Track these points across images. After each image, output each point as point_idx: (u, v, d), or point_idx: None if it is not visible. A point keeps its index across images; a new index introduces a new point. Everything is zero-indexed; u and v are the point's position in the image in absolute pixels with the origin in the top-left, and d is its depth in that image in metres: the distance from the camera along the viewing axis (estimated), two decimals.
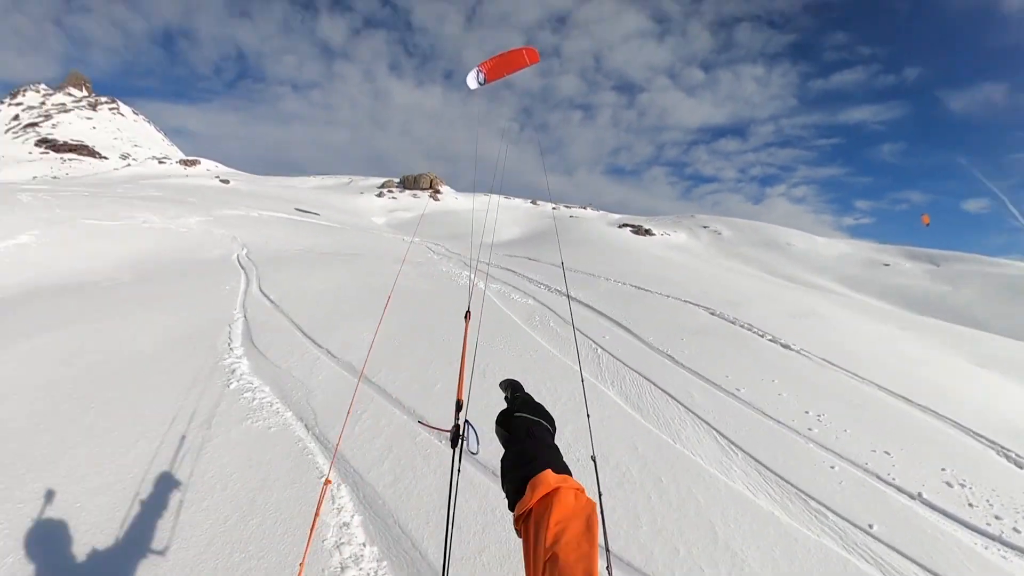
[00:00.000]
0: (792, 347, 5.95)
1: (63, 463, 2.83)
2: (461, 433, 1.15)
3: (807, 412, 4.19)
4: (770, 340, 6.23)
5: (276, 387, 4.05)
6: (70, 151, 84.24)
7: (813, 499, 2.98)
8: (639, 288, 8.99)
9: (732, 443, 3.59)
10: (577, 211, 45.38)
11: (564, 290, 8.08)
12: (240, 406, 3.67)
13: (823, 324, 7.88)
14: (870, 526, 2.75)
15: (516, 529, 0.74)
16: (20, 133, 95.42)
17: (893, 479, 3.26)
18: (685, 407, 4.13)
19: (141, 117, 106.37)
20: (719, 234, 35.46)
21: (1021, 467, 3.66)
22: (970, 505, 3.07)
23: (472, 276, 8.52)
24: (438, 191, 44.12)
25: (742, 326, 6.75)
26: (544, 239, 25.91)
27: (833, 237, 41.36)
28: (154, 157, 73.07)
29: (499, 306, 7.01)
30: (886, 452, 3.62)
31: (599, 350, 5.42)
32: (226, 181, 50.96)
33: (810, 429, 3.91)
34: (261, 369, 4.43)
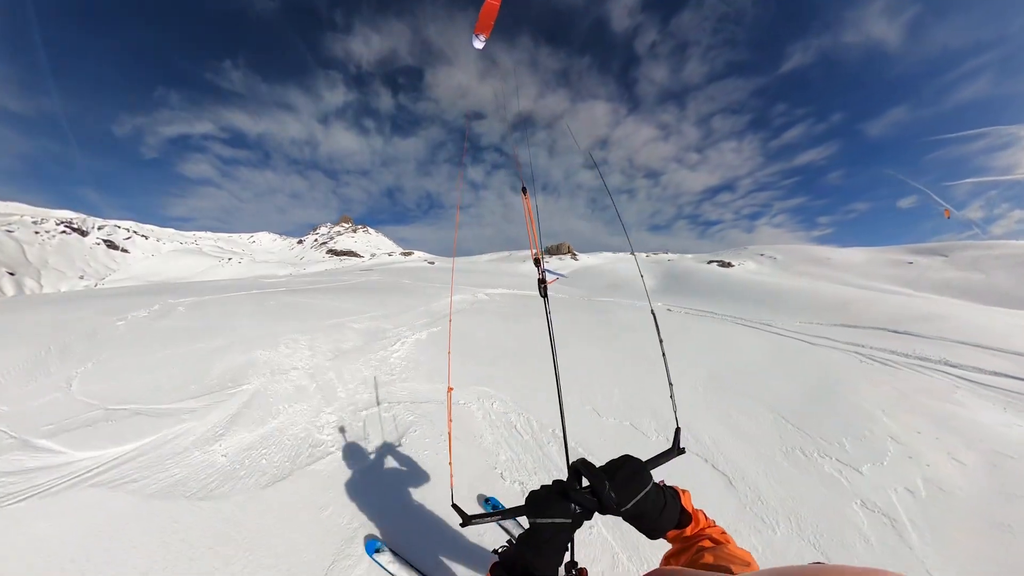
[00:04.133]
0: None
1: None
2: (543, 278, 1.61)
3: None
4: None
5: None
6: (343, 255, 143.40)
7: None
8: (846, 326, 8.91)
9: None
10: (663, 255, 58.00)
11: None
12: None
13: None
14: None
15: None
16: (318, 247, 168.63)
17: None
18: None
19: (380, 233, 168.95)
20: (775, 259, 43.15)
21: None
22: None
23: None
24: (575, 254, 63.24)
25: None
26: (682, 285, 27.01)
27: (844, 247, 45.26)
28: (387, 253, 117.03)
29: None
30: None
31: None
32: (432, 262, 68.25)
33: None
34: None
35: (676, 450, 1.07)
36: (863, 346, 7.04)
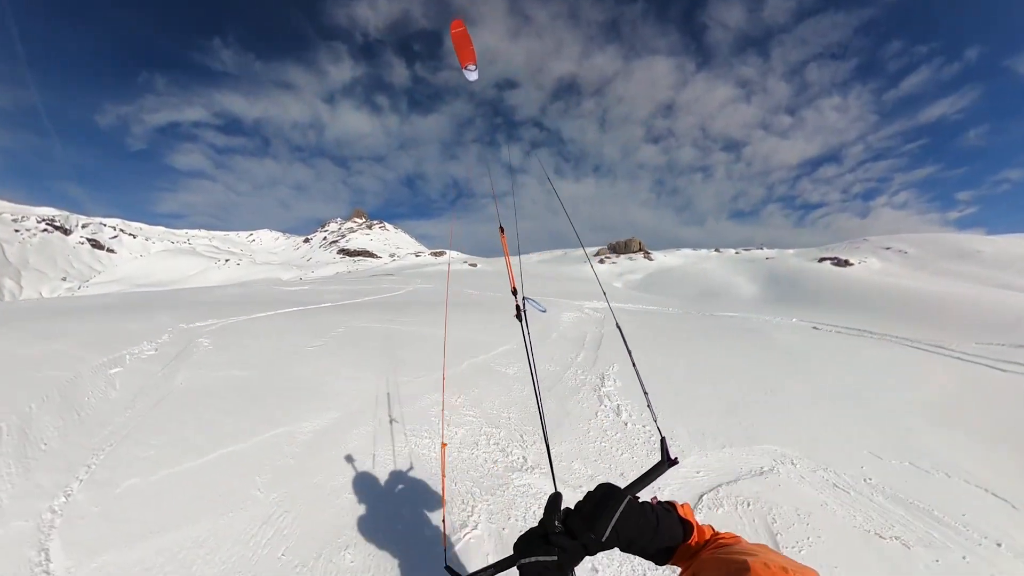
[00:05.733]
0: None
1: None
2: (522, 307, 1.74)
3: None
4: None
5: None
6: (357, 255, 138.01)
7: None
8: None
9: None
10: (757, 252, 55.68)
11: None
12: None
13: None
14: None
15: None
16: (327, 246, 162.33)
17: None
18: None
19: (399, 230, 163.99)
20: (905, 253, 39.85)
21: None
22: None
23: None
24: (648, 253, 60.23)
25: None
26: (794, 291, 23.29)
27: (995, 235, 41.29)
28: (412, 253, 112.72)
29: None
30: None
31: None
32: (474, 265, 60.18)
33: None
34: None
35: (667, 462, 0.97)
36: None
